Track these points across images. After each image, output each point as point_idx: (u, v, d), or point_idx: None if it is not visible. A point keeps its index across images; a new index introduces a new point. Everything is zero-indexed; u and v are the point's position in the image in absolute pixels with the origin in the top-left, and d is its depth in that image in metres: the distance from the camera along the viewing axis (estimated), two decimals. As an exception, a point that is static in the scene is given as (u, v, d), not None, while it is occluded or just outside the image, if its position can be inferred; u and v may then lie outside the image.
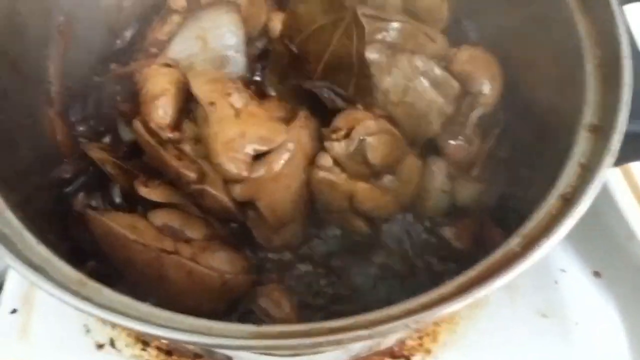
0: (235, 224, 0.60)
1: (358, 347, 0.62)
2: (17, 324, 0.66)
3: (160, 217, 0.56)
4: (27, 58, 0.60)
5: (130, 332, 0.67)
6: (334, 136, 0.57)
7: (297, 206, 0.58)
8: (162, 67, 0.61)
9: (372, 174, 0.59)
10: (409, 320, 0.37)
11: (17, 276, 0.69)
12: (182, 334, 0.37)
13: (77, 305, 0.40)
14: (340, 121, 0.59)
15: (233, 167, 0.55)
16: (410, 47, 0.64)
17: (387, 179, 0.60)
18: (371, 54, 0.61)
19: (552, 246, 0.42)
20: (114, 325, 0.66)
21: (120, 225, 0.53)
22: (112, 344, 0.66)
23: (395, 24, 0.64)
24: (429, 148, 0.64)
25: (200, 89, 0.59)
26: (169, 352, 0.66)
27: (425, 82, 0.62)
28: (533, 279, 0.71)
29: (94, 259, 0.55)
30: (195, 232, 0.56)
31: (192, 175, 0.56)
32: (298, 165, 0.58)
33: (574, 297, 0.71)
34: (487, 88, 0.63)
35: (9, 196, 0.47)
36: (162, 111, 0.58)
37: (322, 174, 0.57)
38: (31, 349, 0.65)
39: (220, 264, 0.54)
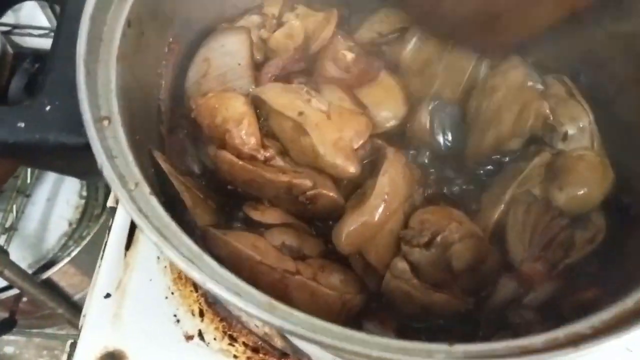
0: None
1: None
2: (111, 309, 0.68)
3: (277, 236, 0.56)
4: (149, 77, 0.61)
5: (217, 326, 0.68)
6: (414, 241, 0.56)
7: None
8: (224, 93, 0.61)
9: (453, 278, 0.57)
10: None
11: (112, 260, 0.71)
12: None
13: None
14: (419, 222, 0.57)
15: (350, 166, 0.57)
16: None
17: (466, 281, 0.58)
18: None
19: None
20: (212, 319, 0.68)
21: (245, 245, 0.53)
22: (201, 335, 0.67)
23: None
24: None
25: (279, 103, 0.59)
26: (255, 349, 0.67)
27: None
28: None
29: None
30: (312, 249, 0.57)
31: (307, 182, 0.56)
32: (397, 207, 0.58)
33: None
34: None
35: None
36: (250, 133, 0.58)
37: (397, 283, 0.55)
38: (123, 334, 0.66)
39: (339, 283, 0.54)
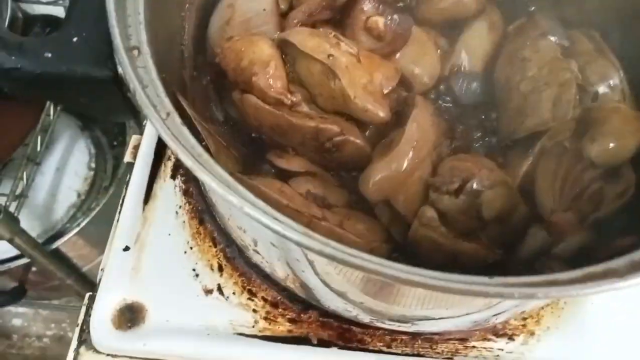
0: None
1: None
2: (129, 262, 0.67)
3: (303, 185, 0.56)
4: (172, 15, 0.60)
5: (237, 281, 0.67)
6: (444, 188, 0.55)
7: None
8: (250, 36, 0.60)
9: (481, 227, 0.56)
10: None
11: (130, 215, 0.70)
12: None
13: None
14: (449, 169, 0.56)
15: (380, 110, 0.56)
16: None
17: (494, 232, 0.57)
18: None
19: None
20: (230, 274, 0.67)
21: (272, 190, 0.52)
22: (220, 290, 0.67)
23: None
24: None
25: (308, 45, 0.57)
26: (274, 304, 0.66)
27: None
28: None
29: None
30: (336, 199, 0.56)
31: (335, 127, 0.55)
32: (425, 155, 0.57)
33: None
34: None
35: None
36: (277, 76, 0.57)
37: (424, 231, 0.54)
38: (142, 287, 0.66)
39: (366, 231, 0.53)
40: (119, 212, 0.70)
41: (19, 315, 1.78)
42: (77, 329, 0.65)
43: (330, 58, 0.56)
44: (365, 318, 0.64)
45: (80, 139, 1.51)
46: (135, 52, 0.46)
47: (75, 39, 0.51)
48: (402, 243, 0.57)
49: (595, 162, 0.56)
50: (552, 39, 0.64)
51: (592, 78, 0.62)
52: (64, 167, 1.45)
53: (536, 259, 0.56)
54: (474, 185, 0.53)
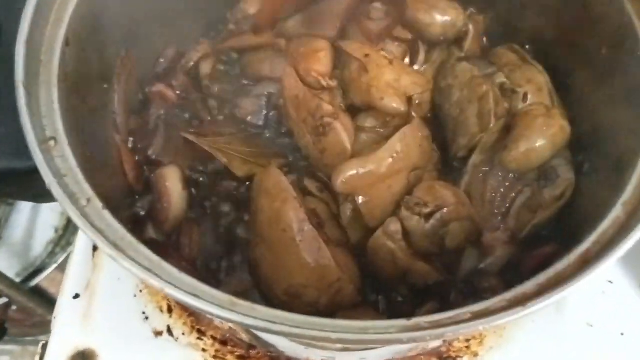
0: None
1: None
2: (80, 309, 0.69)
3: (311, 203, 0.61)
4: (94, 91, 0.61)
5: (186, 321, 0.69)
6: (416, 209, 0.58)
7: (391, 212, 0.60)
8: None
9: (437, 253, 0.59)
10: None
11: (80, 261, 0.72)
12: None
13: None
14: (424, 195, 0.59)
15: (395, 101, 0.61)
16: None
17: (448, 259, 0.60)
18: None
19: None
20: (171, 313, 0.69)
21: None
22: (169, 331, 0.68)
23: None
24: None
25: (351, 48, 0.66)
26: (223, 342, 0.68)
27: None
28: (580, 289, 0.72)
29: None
30: (332, 232, 0.59)
31: (330, 108, 0.61)
32: (403, 169, 0.60)
33: (621, 309, 0.71)
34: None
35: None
36: (322, 63, 0.65)
37: (385, 241, 0.57)
38: (93, 333, 0.67)
39: (342, 262, 0.56)
40: (69, 261, 0.72)
41: (5, 353, 1.79)
42: (32, 378, 0.66)
43: (367, 57, 0.63)
44: (317, 358, 0.66)
45: (54, 174, 1.53)
46: (52, 142, 0.47)
47: (-6, 135, 0.52)
48: (355, 246, 0.61)
49: (510, 169, 0.59)
50: (477, 73, 0.66)
51: (520, 82, 0.65)
52: (39, 204, 1.47)
53: (474, 277, 0.58)
54: (445, 215, 0.56)
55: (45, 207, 1.48)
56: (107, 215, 0.45)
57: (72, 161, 0.47)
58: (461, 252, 0.61)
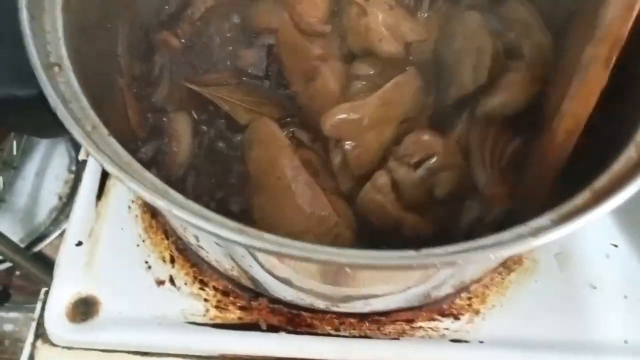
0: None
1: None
2: (83, 256, 0.69)
3: (305, 154, 0.61)
4: (98, 30, 0.60)
5: (188, 271, 0.69)
6: (405, 159, 0.57)
7: (378, 161, 0.60)
8: None
9: (428, 204, 0.59)
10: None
11: (83, 210, 0.72)
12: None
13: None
14: (412, 144, 0.58)
15: (392, 43, 0.61)
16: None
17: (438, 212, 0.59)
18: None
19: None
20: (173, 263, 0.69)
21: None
22: (172, 281, 0.68)
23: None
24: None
25: None
26: (225, 293, 0.68)
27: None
28: (584, 250, 0.72)
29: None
30: (325, 181, 0.60)
31: (319, 50, 0.61)
32: (393, 118, 0.60)
33: (624, 272, 0.71)
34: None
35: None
36: (320, 5, 0.65)
37: (374, 194, 0.57)
38: (95, 280, 0.68)
39: (338, 207, 0.56)
40: (72, 209, 0.72)
41: (9, 321, 1.80)
42: (34, 324, 0.67)
43: (367, 1, 0.63)
44: (320, 304, 0.66)
45: (59, 143, 1.53)
46: (56, 68, 0.46)
47: (-5, 60, 0.51)
48: (347, 195, 0.60)
49: (489, 114, 0.58)
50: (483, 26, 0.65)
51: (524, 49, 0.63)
52: (44, 171, 1.47)
53: (473, 229, 0.58)
54: (433, 163, 0.56)
55: (50, 175, 1.49)
56: (112, 141, 0.44)
57: (77, 88, 0.46)
58: (459, 204, 0.61)
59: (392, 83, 0.60)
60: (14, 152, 1.30)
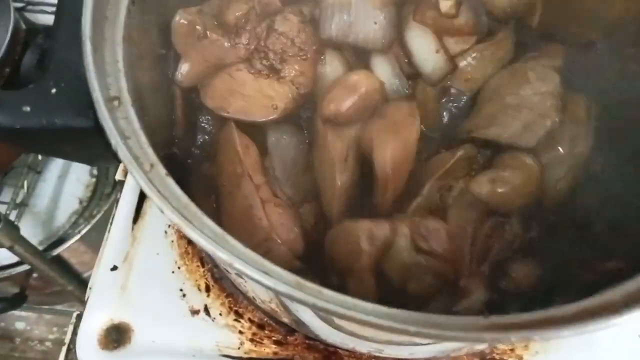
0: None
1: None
2: (117, 281, 0.67)
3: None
4: (154, 56, 0.59)
5: (224, 301, 0.67)
6: (416, 236, 0.54)
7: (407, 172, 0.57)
8: None
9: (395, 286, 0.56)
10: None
11: (119, 233, 0.70)
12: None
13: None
14: (434, 232, 0.55)
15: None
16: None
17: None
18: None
19: None
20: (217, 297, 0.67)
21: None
22: (206, 310, 0.67)
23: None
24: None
25: None
26: (261, 326, 0.66)
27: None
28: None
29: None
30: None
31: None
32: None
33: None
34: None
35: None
36: None
37: (361, 238, 0.53)
38: (129, 307, 0.66)
39: (280, 222, 0.54)
40: (108, 231, 0.70)
41: (21, 319, 1.80)
42: (64, 348, 0.66)
43: None
44: (362, 349, 0.64)
45: (82, 146, 1.53)
46: (116, 102, 0.45)
47: (54, 90, 0.50)
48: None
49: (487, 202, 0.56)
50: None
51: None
52: (66, 174, 1.47)
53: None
54: (432, 262, 0.53)
55: (71, 178, 1.48)
56: (170, 181, 0.43)
57: (136, 123, 0.45)
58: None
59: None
60: (39, 157, 1.29)
